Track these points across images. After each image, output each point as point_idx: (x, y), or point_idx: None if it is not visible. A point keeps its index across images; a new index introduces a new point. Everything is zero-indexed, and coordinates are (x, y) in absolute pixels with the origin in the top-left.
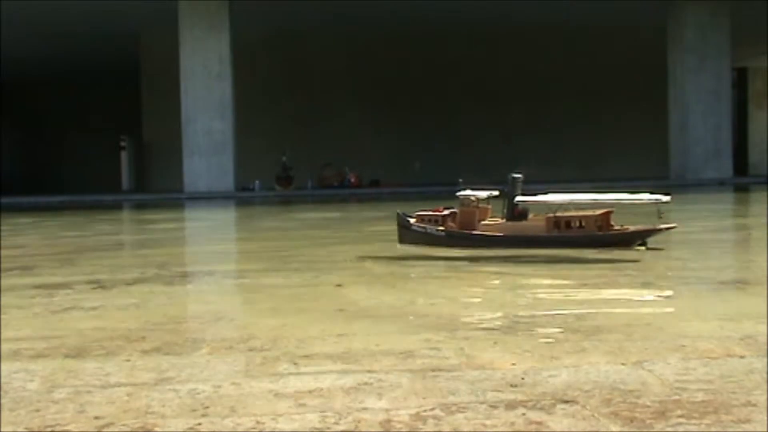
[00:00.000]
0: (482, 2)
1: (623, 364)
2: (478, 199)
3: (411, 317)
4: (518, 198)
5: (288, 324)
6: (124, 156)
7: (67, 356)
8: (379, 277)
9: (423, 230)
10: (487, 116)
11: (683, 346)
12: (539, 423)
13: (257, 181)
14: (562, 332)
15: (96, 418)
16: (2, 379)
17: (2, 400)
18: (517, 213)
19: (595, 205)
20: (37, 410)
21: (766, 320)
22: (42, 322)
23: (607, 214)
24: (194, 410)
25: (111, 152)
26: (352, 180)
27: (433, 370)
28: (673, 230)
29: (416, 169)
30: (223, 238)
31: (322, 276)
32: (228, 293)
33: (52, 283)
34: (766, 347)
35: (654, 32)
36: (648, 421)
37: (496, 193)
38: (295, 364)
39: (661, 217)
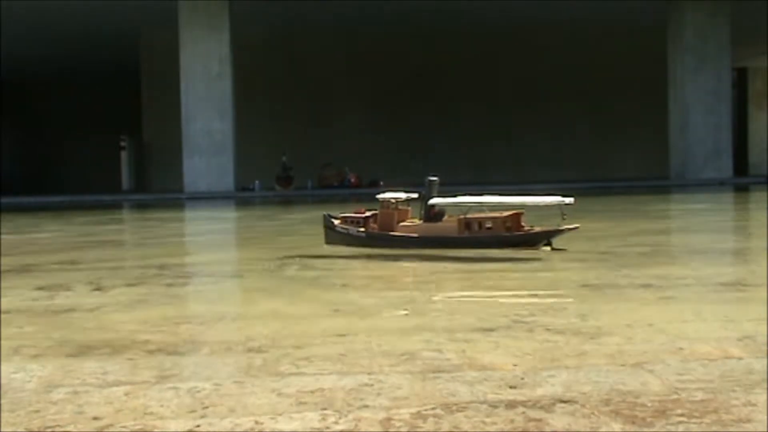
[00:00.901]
0: (482, 2)
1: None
2: (398, 202)
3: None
4: (432, 200)
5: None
6: (124, 156)
7: (67, 356)
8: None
9: (346, 231)
10: (487, 116)
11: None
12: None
13: (257, 181)
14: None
15: (95, 418)
16: (2, 380)
17: (2, 401)
18: (432, 214)
19: (504, 207)
20: (37, 411)
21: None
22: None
23: (517, 215)
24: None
25: (111, 152)
26: (352, 180)
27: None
28: (577, 229)
29: (416, 169)
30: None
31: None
32: None
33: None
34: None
35: (654, 32)
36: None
37: (414, 195)
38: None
39: (564, 219)
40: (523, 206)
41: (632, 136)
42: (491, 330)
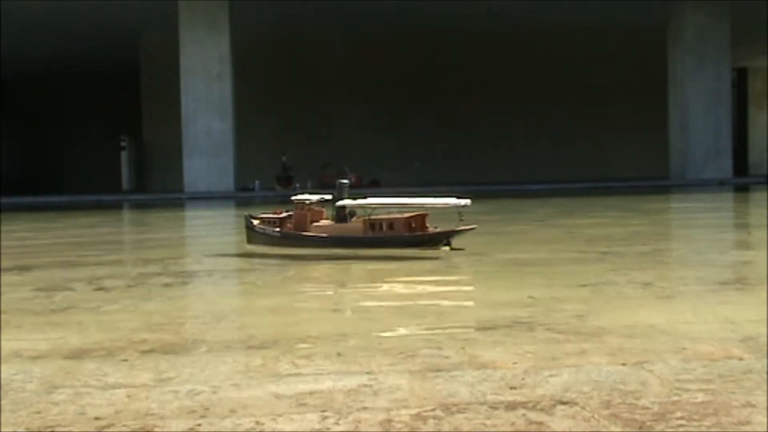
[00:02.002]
0: (482, 2)
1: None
2: (311, 203)
3: None
4: (341, 202)
5: None
6: (124, 156)
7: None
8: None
9: (263, 231)
10: (487, 116)
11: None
12: None
13: (257, 181)
14: None
15: (96, 419)
16: (2, 380)
17: (2, 401)
18: (342, 215)
19: (406, 208)
20: (38, 411)
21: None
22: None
23: (422, 216)
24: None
25: (111, 152)
26: (352, 180)
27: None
28: (474, 230)
29: (416, 169)
30: None
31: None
32: None
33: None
34: None
35: (654, 32)
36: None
37: (328, 197)
38: None
39: (462, 220)
40: (423, 207)
41: (632, 137)
42: None
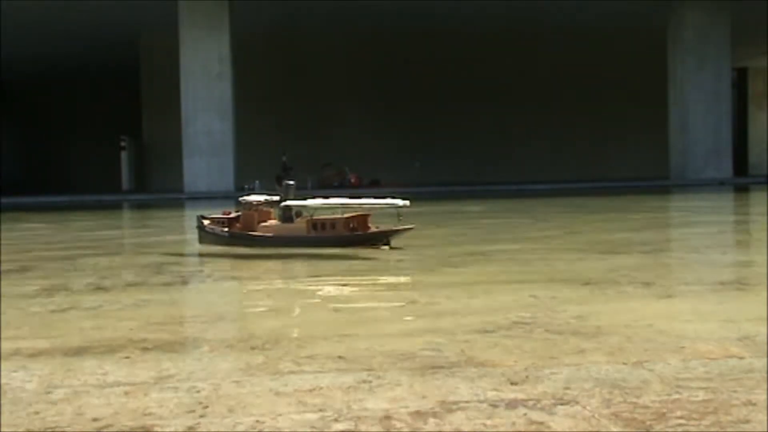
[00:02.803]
0: (483, 3)
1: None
2: (258, 203)
3: None
4: (286, 203)
5: None
6: (124, 156)
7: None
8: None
9: (213, 231)
10: (487, 116)
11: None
12: None
13: (257, 181)
14: None
15: (94, 420)
16: (2, 379)
17: (1, 401)
18: (288, 216)
19: (345, 208)
20: (37, 412)
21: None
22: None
23: (364, 216)
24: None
25: (111, 152)
26: (352, 180)
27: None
28: (412, 230)
29: (416, 169)
30: None
31: None
32: None
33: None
34: None
35: (654, 33)
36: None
37: (275, 198)
38: None
39: (400, 220)
40: (364, 208)
41: (632, 137)
42: None
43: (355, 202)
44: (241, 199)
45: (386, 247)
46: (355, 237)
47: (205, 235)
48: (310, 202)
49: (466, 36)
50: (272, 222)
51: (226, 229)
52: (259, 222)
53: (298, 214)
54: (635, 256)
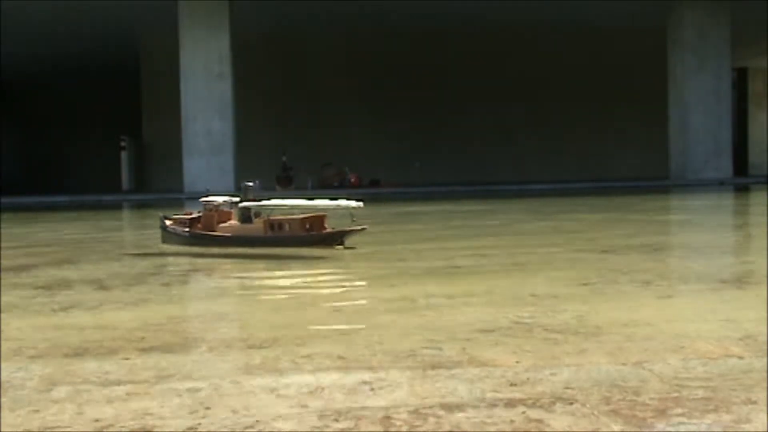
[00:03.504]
0: (483, 2)
1: None
2: (218, 204)
3: None
4: (244, 203)
5: None
6: (124, 156)
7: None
8: None
9: (174, 231)
10: (487, 116)
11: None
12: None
13: (257, 181)
14: None
15: (96, 421)
16: (2, 379)
17: (1, 400)
18: (247, 216)
19: (300, 209)
20: (37, 410)
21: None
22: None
23: (320, 217)
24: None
25: (111, 152)
26: (352, 180)
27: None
28: (365, 230)
29: (416, 169)
30: None
31: None
32: None
33: None
34: None
35: (654, 32)
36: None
37: (236, 199)
38: None
39: (354, 221)
40: (317, 209)
41: (632, 136)
42: None
43: (310, 203)
44: (201, 199)
45: (340, 247)
46: (311, 237)
47: (167, 235)
48: (266, 203)
49: (467, 36)
50: (232, 222)
51: (186, 229)
52: (219, 222)
53: (258, 215)
54: (635, 256)
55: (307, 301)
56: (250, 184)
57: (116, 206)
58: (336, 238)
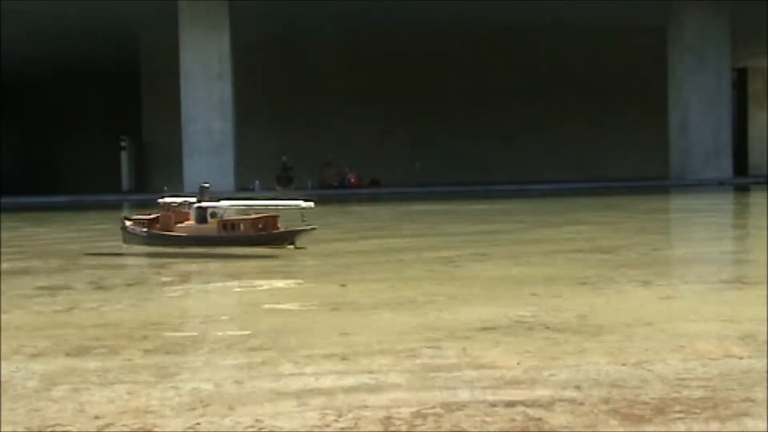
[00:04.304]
0: (482, 2)
1: None
2: (176, 205)
3: None
4: (198, 204)
5: None
6: (124, 156)
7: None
8: None
9: (134, 232)
10: (487, 116)
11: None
12: None
13: (257, 181)
14: None
15: (96, 417)
16: (2, 378)
17: (1, 399)
18: (202, 216)
19: (256, 209)
20: (37, 409)
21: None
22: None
23: (273, 217)
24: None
25: (111, 152)
26: (352, 180)
27: None
28: (315, 230)
29: (416, 169)
30: None
31: None
32: None
33: None
34: None
35: (654, 32)
36: None
37: (192, 199)
38: None
39: (303, 221)
40: (269, 209)
41: (632, 136)
42: None
43: (263, 203)
44: (159, 200)
45: (291, 246)
46: (263, 237)
47: (127, 235)
48: (220, 203)
49: (466, 36)
50: (189, 223)
51: (144, 230)
52: (176, 223)
53: (214, 215)
54: (636, 256)
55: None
56: (206, 185)
57: (116, 206)
58: (287, 238)
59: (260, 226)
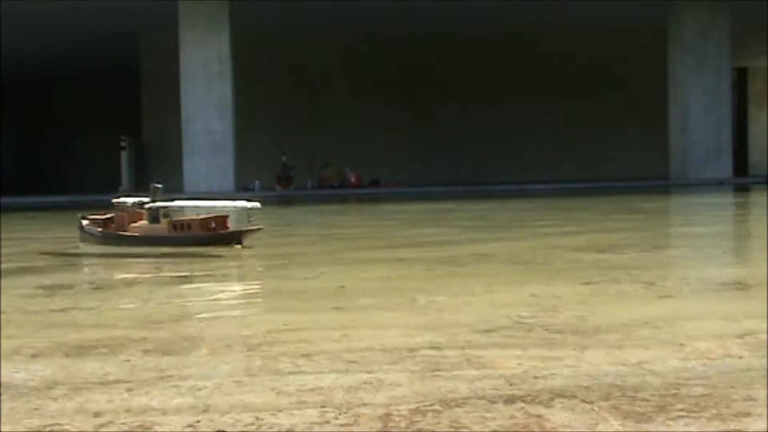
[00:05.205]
0: (482, 2)
1: None
2: (129, 205)
3: None
4: (150, 204)
5: None
6: (124, 156)
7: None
8: None
9: (89, 231)
10: (487, 116)
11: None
12: None
13: (257, 181)
14: None
15: (95, 416)
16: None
17: (1, 398)
18: (155, 216)
19: (204, 209)
20: (36, 408)
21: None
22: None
23: (223, 217)
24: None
25: (111, 152)
26: (352, 180)
27: None
28: (260, 230)
29: (416, 169)
30: None
31: None
32: None
33: None
34: None
35: (654, 32)
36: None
37: (146, 200)
38: None
39: (250, 221)
40: (216, 209)
41: (632, 136)
42: None
43: (210, 204)
44: (113, 200)
45: (239, 246)
46: (210, 237)
47: (83, 234)
48: (172, 203)
49: (466, 36)
50: (142, 222)
51: (99, 229)
52: (130, 222)
53: (167, 215)
54: (635, 255)
55: None
56: (158, 185)
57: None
58: (235, 238)
59: (211, 226)
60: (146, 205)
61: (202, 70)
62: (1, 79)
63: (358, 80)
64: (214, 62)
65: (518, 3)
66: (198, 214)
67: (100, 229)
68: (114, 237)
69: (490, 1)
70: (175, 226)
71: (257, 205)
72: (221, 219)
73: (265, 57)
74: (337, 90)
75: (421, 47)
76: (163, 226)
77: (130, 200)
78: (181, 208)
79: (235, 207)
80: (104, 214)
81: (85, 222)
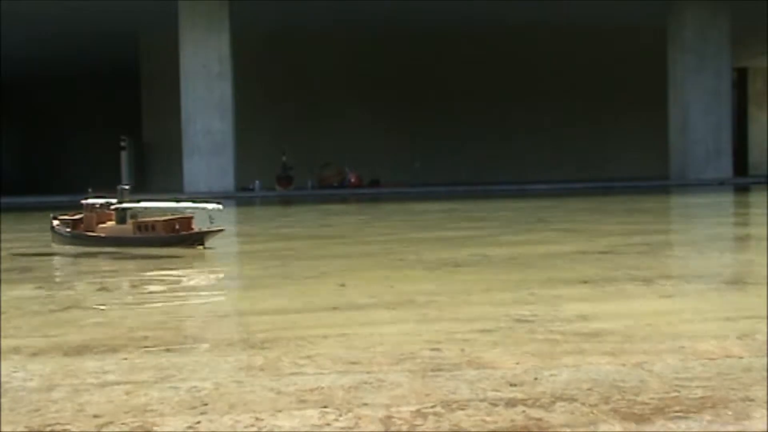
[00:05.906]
0: (482, 2)
1: None
2: (97, 206)
3: None
4: (117, 205)
5: None
6: (124, 156)
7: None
8: None
9: (59, 231)
10: (487, 116)
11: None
12: None
13: (257, 181)
14: None
15: (95, 416)
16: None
17: (1, 399)
18: (122, 217)
19: (169, 211)
20: (36, 409)
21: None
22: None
23: (188, 219)
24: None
25: (111, 152)
26: (352, 180)
27: None
28: (222, 232)
29: (416, 169)
30: None
31: None
32: None
33: None
34: None
35: (654, 32)
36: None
37: (113, 200)
38: None
39: (212, 222)
40: (180, 210)
41: (632, 136)
42: None
43: (175, 205)
44: (82, 201)
45: (201, 247)
46: (173, 237)
47: (55, 235)
48: (138, 204)
49: (466, 36)
50: (110, 223)
51: (68, 230)
52: (98, 223)
53: (134, 216)
54: (635, 255)
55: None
56: (126, 186)
57: None
58: (197, 239)
59: (175, 227)
60: (112, 206)
61: (202, 70)
62: (1, 79)
63: (358, 80)
64: (214, 62)
65: (518, 3)
66: (164, 215)
67: (68, 229)
68: (82, 237)
69: (490, 1)
70: (140, 227)
71: (220, 207)
72: (185, 220)
73: (265, 57)
74: (337, 90)
75: (421, 47)
76: (128, 227)
77: (98, 201)
78: (146, 209)
79: (197, 209)
80: (73, 215)
81: (55, 222)
